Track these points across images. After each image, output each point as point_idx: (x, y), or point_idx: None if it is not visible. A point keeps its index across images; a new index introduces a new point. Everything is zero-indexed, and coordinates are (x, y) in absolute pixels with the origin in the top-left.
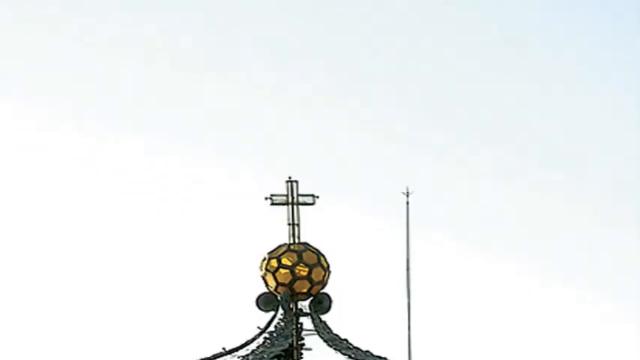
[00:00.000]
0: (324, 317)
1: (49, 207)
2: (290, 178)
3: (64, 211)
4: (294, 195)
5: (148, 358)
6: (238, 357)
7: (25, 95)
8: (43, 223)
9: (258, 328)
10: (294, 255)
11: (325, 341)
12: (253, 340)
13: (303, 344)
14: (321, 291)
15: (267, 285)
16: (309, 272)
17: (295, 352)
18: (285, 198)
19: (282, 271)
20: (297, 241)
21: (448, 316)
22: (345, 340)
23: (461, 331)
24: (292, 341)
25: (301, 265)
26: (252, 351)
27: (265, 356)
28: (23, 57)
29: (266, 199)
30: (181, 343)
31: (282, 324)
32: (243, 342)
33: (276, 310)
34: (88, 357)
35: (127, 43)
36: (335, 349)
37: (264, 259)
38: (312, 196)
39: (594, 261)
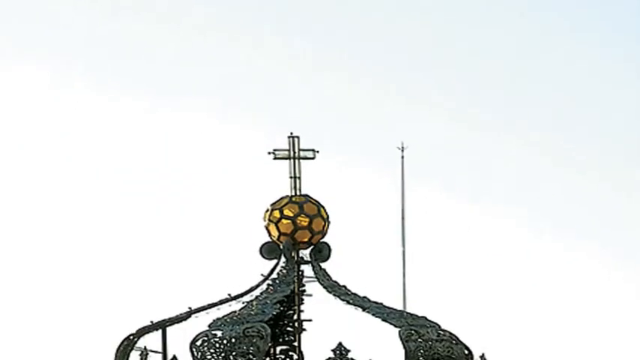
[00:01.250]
0: (323, 265)
1: (63, 161)
2: (292, 133)
3: (77, 166)
4: (296, 150)
5: (158, 305)
6: (243, 302)
7: (40, 57)
8: (58, 175)
9: (262, 275)
10: (296, 206)
11: (325, 288)
12: (257, 286)
13: (304, 290)
14: (321, 240)
15: (270, 234)
16: (310, 222)
17: (296, 298)
18: (287, 152)
19: (284, 221)
20: (298, 193)
21: (441, 263)
22: (344, 286)
23: (453, 278)
24: (294, 288)
25: (302, 215)
26: (256, 297)
27: (268, 302)
28: (39, 20)
29: (269, 153)
30: (190, 289)
31: (285, 271)
32: (247, 288)
33: (279, 259)
34: (97, 304)
35: (134, 4)
36: (334, 295)
37: (268, 210)
38: (313, 150)
39: (586, 212)
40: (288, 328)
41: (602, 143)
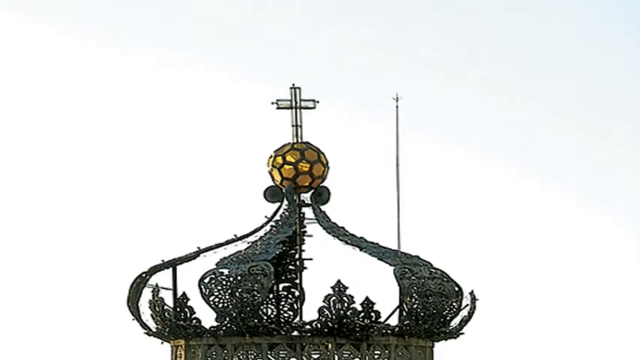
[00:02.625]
0: (323, 208)
1: (81, 111)
2: (293, 85)
3: (93, 114)
4: (297, 100)
5: (169, 245)
6: (248, 242)
7: (55, 16)
8: (73, 120)
9: (266, 217)
10: (297, 153)
11: (324, 229)
12: (261, 227)
13: (305, 231)
14: (321, 184)
15: (273, 179)
16: (311, 168)
17: (298, 238)
18: (289, 103)
19: (286, 167)
20: (299, 140)
21: (434, 206)
22: (342, 227)
23: (445, 220)
24: (295, 229)
25: (303, 161)
26: (261, 237)
27: (272, 242)
28: None
29: (272, 103)
30: (198, 231)
31: (287, 213)
32: (252, 229)
33: (282, 202)
34: (113, 245)
35: None
36: (333, 235)
37: (271, 156)
38: (313, 101)
39: (572, 157)
40: (290, 267)
41: (590, 92)
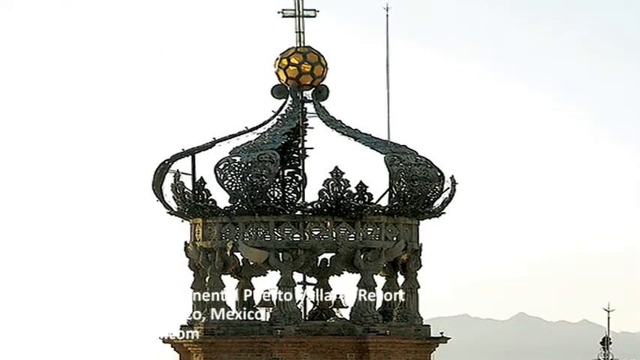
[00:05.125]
0: (323, 103)
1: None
2: None
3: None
4: (300, 9)
5: (188, 136)
6: (257, 134)
7: None
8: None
9: (273, 112)
10: (300, 55)
11: (324, 122)
12: (268, 121)
13: (307, 124)
14: (321, 83)
15: (279, 78)
16: (312, 69)
17: (301, 130)
18: (293, 11)
19: (290, 68)
20: (302, 45)
21: (419, 103)
22: (339, 121)
23: (429, 116)
24: (298, 122)
25: (306, 63)
26: (268, 129)
27: (278, 133)
28: None
29: (278, 12)
30: (214, 123)
31: (291, 108)
32: (261, 122)
33: (286, 98)
34: (139, 135)
35: None
36: (331, 127)
37: (277, 59)
38: (314, 10)
39: (552, 63)
40: (294, 155)
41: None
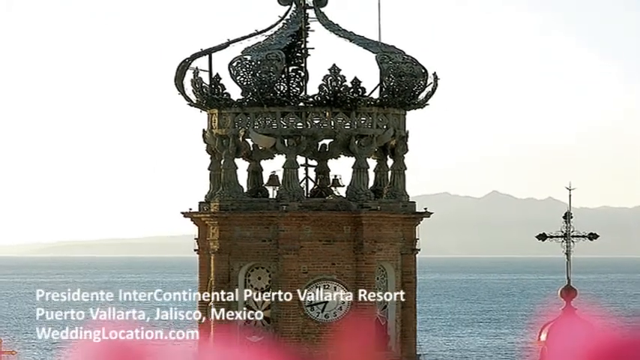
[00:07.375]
0: (322, 9)
1: None
2: None
3: None
4: None
5: (206, 36)
6: (265, 35)
7: None
8: None
9: (278, 16)
10: None
11: (323, 25)
12: (275, 24)
13: (309, 27)
14: None
15: None
16: None
17: (303, 32)
18: None
19: None
20: None
21: (407, 9)
22: (337, 24)
23: (415, 20)
24: (301, 25)
25: None
26: (275, 31)
27: (283, 35)
28: None
29: None
30: (229, 26)
31: (295, 13)
32: (268, 25)
33: (291, 4)
34: (160, 37)
35: None
36: (330, 30)
37: None
38: None
39: None
40: (298, 54)
41: None
